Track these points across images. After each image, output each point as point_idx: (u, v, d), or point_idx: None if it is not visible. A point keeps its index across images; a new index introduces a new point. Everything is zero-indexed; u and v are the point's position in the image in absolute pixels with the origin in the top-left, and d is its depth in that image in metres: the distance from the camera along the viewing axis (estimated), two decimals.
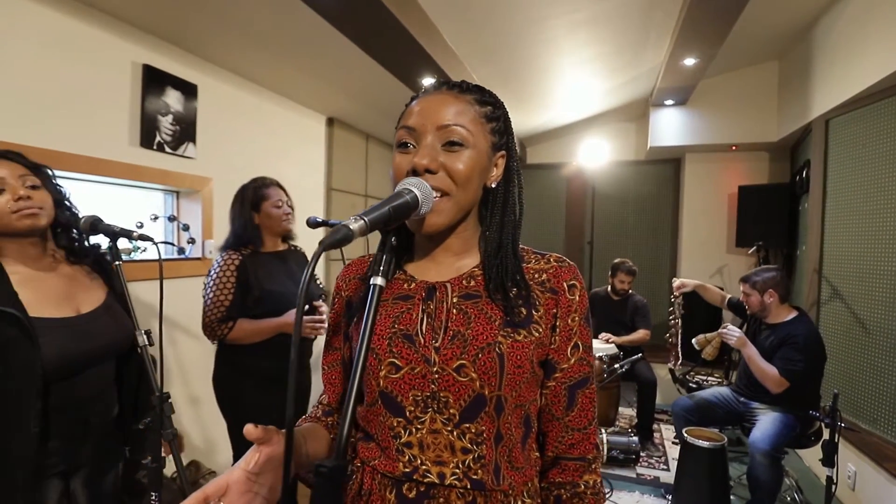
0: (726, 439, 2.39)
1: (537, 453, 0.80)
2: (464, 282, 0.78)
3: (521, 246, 0.82)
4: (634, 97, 4.34)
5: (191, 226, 2.44)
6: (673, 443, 3.50)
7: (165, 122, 2.23)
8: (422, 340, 0.73)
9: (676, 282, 3.01)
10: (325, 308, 1.97)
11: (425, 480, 0.71)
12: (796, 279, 3.75)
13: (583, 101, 4.26)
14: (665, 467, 3.18)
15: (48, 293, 1.14)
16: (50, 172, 1.23)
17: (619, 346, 3.51)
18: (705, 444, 2.35)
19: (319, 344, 2.23)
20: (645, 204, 4.98)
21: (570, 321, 0.77)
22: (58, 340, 1.09)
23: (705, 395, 2.83)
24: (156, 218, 2.33)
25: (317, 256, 0.51)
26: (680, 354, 2.99)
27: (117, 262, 1.23)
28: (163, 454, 1.22)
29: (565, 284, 0.78)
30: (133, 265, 2.05)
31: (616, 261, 3.78)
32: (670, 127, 4.31)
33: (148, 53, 2.14)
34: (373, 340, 0.74)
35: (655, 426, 3.69)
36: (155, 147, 2.18)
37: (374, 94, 3.06)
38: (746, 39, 3.40)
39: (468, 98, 0.77)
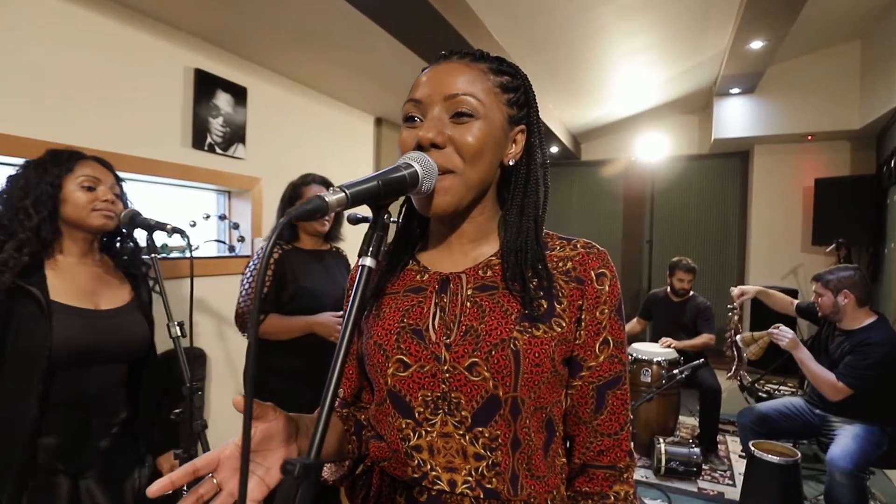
0: (800, 455, 2.16)
1: (563, 459, 0.72)
2: (480, 272, 0.71)
3: (545, 230, 0.75)
4: (696, 87, 4.07)
5: (240, 224, 2.53)
6: (740, 456, 3.23)
7: (216, 124, 2.31)
8: (432, 336, 0.67)
9: (735, 290, 2.78)
10: None
11: (435, 488, 0.66)
12: (884, 280, 3.36)
13: (639, 93, 4.05)
14: (731, 482, 2.94)
15: (75, 283, 1.19)
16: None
17: (679, 351, 3.29)
18: (776, 459, 2.14)
19: None
20: (709, 200, 4.66)
21: (598, 314, 0.69)
22: (69, 327, 1.12)
23: (776, 405, 2.59)
24: (208, 217, 2.43)
25: (280, 226, 0.47)
26: (740, 370, 2.77)
27: (153, 255, 1.27)
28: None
29: (593, 273, 0.70)
30: (184, 262, 2.14)
31: (673, 259, 3.56)
32: (737, 117, 4.00)
33: (199, 58, 2.24)
34: (380, 335, 0.70)
35: (720, 437, 3.43)
36: (206, 148, 2.27)
37: None
38: (823, 17, 3.09)
39: (481, 66, 0.70)
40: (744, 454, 3.12)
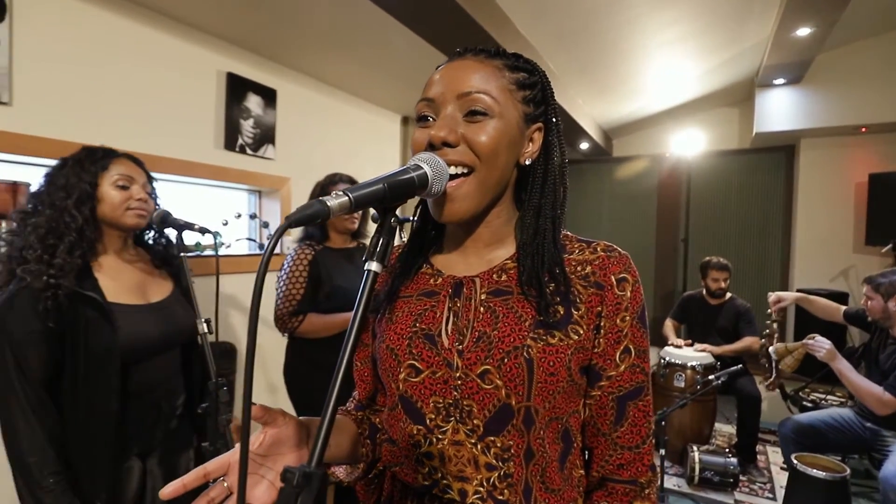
0: (849, 471, 2.03)
1: (581, 472, 0.70)
2: (494, 276, 0.69)
3: (564, 232, 0.72)
4: (736, 78, 3.89)
5: (270, 223, 2.58)
6: (781, 468, 3.07)
7: (247, 126, 2.37)
8: (445, 342, 0.66)
9: (772, 296, 2.60)
10: None
11: (445, 497, 0.64)
12: None
13: (674, 86, 3.90)
14: (771, 496, 2.80)
15: (124, 282, 1.23)
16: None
17: (717, 356, 3.16)
18: (821, 474, 2.02)
19: None
20: (749, 197, 4.45)
21: (618, 321, 0.66)
22: (131, 325, 1.17)
23: (822, 416, 2.45)
24: (239, 216, 2.49)
25: (280, 231, 0.45)
26: (774, 380, 2.61)
27: (182, 254, 1.31)
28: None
29: (613, 278, 0.66)
30: (212, 260, 2.20)
31: (703, 260, 3.41)
32: (781, 109, 3.79)
33: (231, 62, 2.29)
34: (392, 339, 0.69)
35: (760, 447, 3.28)
36: (237, 149, 2.32)
37: None
38: (877, 1, 2.89)
39: (496, 63, 0.68)
40: (786, 467, 2.97)
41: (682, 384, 3.04)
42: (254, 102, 2.39)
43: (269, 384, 2.54)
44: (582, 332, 0.65)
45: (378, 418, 0.80)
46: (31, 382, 1.06)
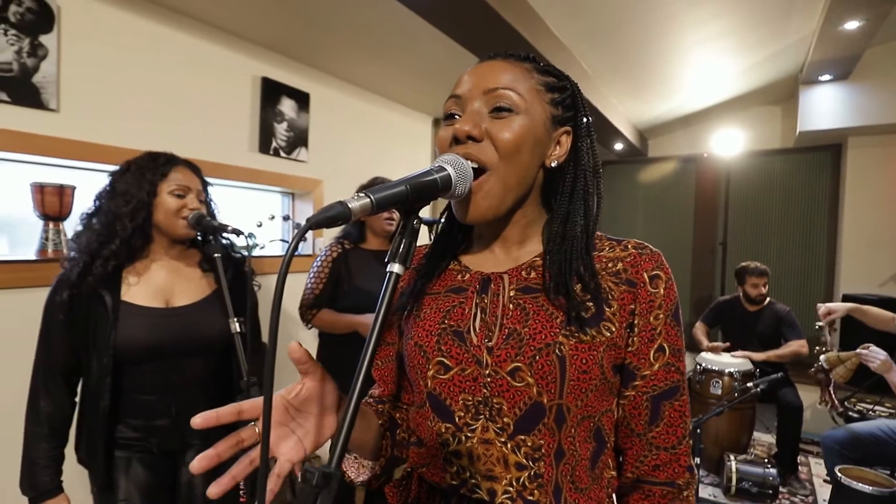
0: None
1: (613, 472, 0.68)
2: (523, 273, 0.69)
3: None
4: (778, 75, 3.74)
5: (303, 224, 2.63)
6: (825, 481, 2.94)
7: (280, 129, 2.42)
8: (474, 339, 0.65)
9: (822, 308, 2.45)
10: None
11: (474, 496, 0.64)
12: None
13: (712, 84, 3.78)
14: None
15: (149, 283, 1.26)
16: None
17: (755, 363, 3.04)
18: (868, 489, 1.93)
19: None
20: (792, 198, 4.27)
21: (652, 319, 0.65)
22: (136, 327, 1.19)
23: (869, 427, 2.33)
24: (272, 217, 2.55)
25: (301, 233, 0.46)
26: (834, 398, 2.46)
27: (217, 255, 1.33)
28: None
29: (646, 275, 0.65)
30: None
31: (739, 266, 3.29)
32: (827, 107, 3.63)
33: (265, 66, 2.35)
34: (420, 336, 0.69)
35: (802, 458, 3.14)
36: (271, 152, 2.38)
37: None
38: None
39: (526, 66, 0.68)
40: (829, 479, 2.84)
41: (720, 391, 2.94)
42: (287, 106, 2.44)
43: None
44: (614, 329, 0.64)
45: (399, 414, 0.80)
46: (51, 364, 1.19)
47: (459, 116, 0.67)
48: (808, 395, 3.37)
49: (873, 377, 2.45)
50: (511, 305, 0.66)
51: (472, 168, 0.63)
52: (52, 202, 1.73)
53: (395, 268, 0.55)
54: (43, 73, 1.65)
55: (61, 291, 1.17)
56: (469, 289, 0.70)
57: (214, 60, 2.14)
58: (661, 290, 0.65)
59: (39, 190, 1.70)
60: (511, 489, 0.62)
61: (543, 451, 0.62)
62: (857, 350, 2.21)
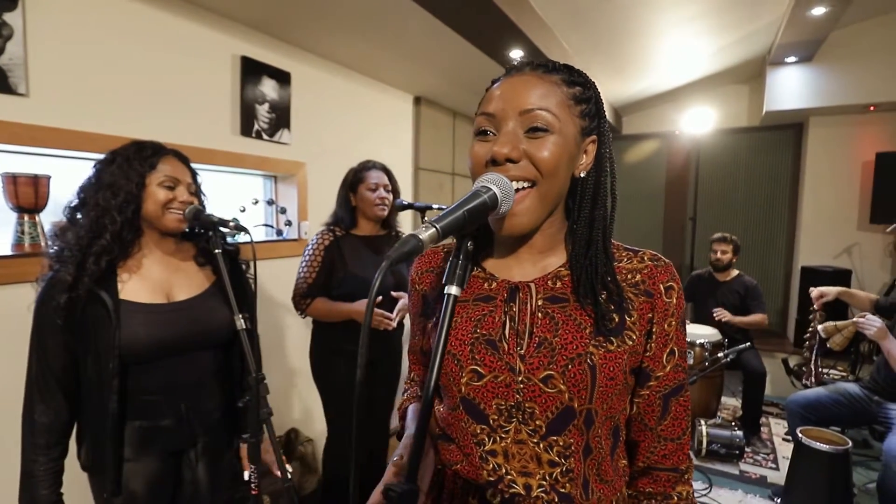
0: (850, 443, 2.12)
1: (625, 461, 0.75)
2: (549, 283, 0.72)
3: (611, 241, 0.75)
4: (748, 56, 3.85)
5: (287, 209, 2.58)
6: (784, 439, 3.20)
7: (262, 111, 2.34)
8: (506, 347, 0.69)
9: (814, 291, 2.60)
10: (404, 300, 1.99)
11: (510, 491, 0.68)
12: None
13: (686, 63, 3.87)
14: (773, 466, 2.91)
15: (147, 279, 1.22)
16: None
17: (723, 330, 3.23)
18: (825, 447, 2.10)
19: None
20: (757, 175, 4.47)
21: (666, 326, 0.70)
22: (138, 325, 1.15)
23: (828, 392, 2.53)
24: (256, 202, 2.49)
25: (383, 271, 0.49)
26: (814, 372, 2.65)
27: (217, 251, 1.29)
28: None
29: (661, 287, 0.71)
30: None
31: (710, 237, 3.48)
32: (792, 88, 3.78)
33: (245, 45, 2.25)
34: (453, 345, 0.72)
35: (763, 420, 3.39)
36: (253, 135, 2.30)
37: (460, 70, 3.00)
38: None
39: (554, 79, 0.69)
40: (788, 437, 3.09)
41: (691, 361, 3.11)
42: (269, 86, 2.36)
43: (289, 369, 2.59)
44: (635, 337, 0.69)
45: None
46: (47, 374, 1.13)
47: (492, 133, 0.68)
48: (770, 362, 3.61)
49: (825, 345, 2.63)
50: (540, 314, 0.70)
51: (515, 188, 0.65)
52: (27, 193, 1.64)
53: (453, 290, 0.57)
54: (9, 54, 1.54)
55: (58, 295, 1.10)
56: (497, 297, 0.73)
57: (192, 38, 2.04)
58: (674, 300, 0.71)
59: (12, 181, 1.60)
60: (545, 483, 0.67)
61: (573, 448, 0.67)
62: (854, 319, 2.35)
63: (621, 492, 0.73)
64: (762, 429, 3.31)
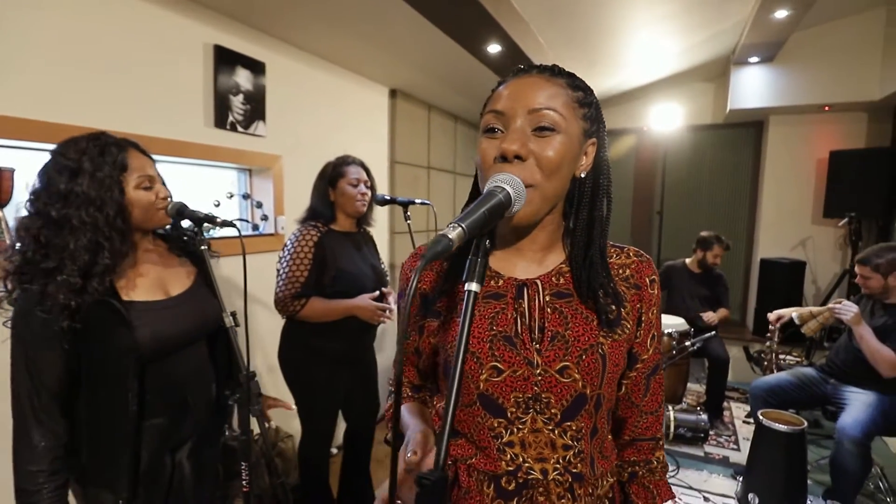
0: (806, 423, 2.26)
1: (611, 436, 0.84)
2: (553, 279, 0.77)
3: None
4: (713, 56, 3.99)
5: (263, 203, 2.53)
6: (744, 422, 3.37)
7: (237, 102, 2.28)
8: (522, 342, 0.73)
9: (771, 315, 2.79)
10: (392, 296, 1.99)
11: (529, 477, 0.73)
12: None
13: (655, 61, 3.97)
14: (735, 447, 3.07)
15: (142, 278, 1.20)
16: None
17: (690, 322, 3.37)
18: (783, 427, 2.23)
19: (383, 328, 2.24)
20: (721, 171, 4.65)
21: (650, 314, 0.79)
22: (150, 323, 1.13)
23: (788, 377, 2.69)
24: (231, 196, 2.43)
25: (419, 270, 0.50)
26: (777, 357, 2.86)
27: (204, 247, 1.28)
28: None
29: (647, 280, 0.79)
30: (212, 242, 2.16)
31: (706, 234, 3.53)
32: (754, 87, 3.94)
33: (217, 34, 2.18)
34: (472, 343, 0.74)
35: (725, 404, 3.56)
36: (228, 127, 2.24)
37: (436, 63, 3.00)
38: None
39: (560, 82, 0.73)
40: (749, 420, 3.26)
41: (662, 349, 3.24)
42: (243, 77, 2.30)
43: (268, 365, 2.55)
44: (629, 326, 0.77)
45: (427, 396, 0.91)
46: (42, 392, 1.05)
47: (500, 131, 0.71)
48: (732, 350, 3.79)
49: (787, 331, 2.78)
50: (549, 310, 0.74)
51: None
52: None
53: (474, 286, 0.58)
54: None
55: (58, 319, 1.03)
56: (507, 295, 0.76)
57: (162, 26, 1.96)
58: (656, 291, 0.80)
59: None
60: (559, 465, 0.73)
61: (584, 431, 0.74)
62: (830, 304, 2.49)
63: (612, 463, 0.81)
64: (724, 412, 3.48)
